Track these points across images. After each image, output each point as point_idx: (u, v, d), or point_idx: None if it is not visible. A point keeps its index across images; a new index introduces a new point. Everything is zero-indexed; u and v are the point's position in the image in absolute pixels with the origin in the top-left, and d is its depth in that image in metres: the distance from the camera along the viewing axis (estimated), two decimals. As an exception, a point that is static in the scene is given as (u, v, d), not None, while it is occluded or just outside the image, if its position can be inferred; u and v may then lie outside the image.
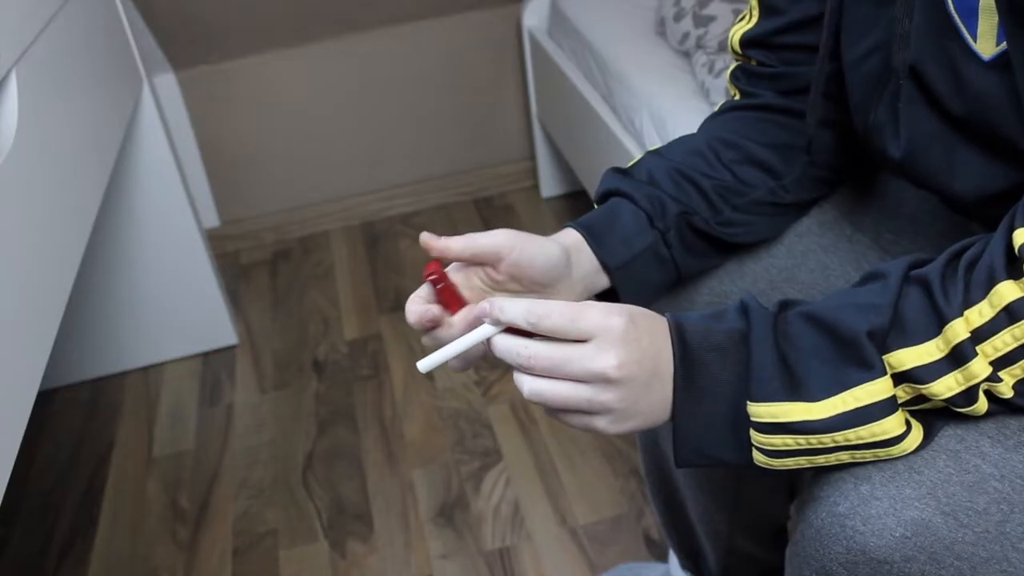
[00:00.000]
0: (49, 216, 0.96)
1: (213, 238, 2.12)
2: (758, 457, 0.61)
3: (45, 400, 1.77)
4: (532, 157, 2.23)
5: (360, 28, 2.02)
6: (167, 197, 1.65)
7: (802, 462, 0.60)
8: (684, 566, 1.11)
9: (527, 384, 0.61)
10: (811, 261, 0.83)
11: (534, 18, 1.99)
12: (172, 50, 1.94)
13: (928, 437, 0.60)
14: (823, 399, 0.58)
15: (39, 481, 1.58)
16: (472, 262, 0.72)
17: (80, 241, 1.05)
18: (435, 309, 0.70)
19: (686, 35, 1.51)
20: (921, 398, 0.59)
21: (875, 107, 0.71)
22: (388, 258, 2.06)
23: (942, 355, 0.56)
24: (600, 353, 0.59)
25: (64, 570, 1.40)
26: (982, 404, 0.57)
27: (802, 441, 0.59)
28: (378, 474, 1.49)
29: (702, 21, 1.48)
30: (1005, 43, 0.59)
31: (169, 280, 1.73)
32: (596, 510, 1.36)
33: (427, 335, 0.71)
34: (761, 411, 0.59)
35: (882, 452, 0.59)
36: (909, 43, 0.66)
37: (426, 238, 0.69)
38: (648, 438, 1.00)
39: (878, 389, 0.57)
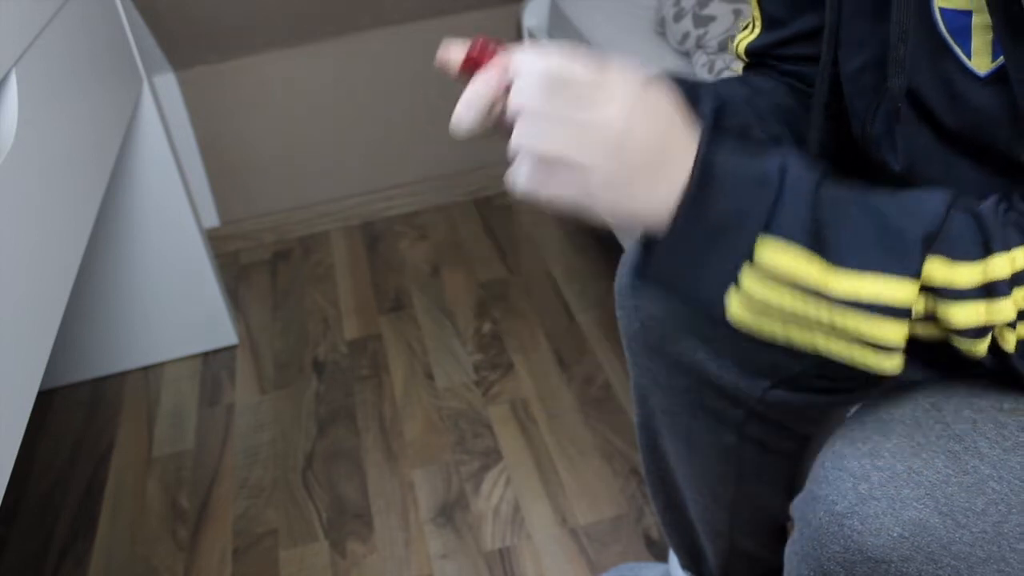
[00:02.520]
0: (49, 216, 0.96)
1: (213, 238, 2.12)
2: (734, 307, 0.56)
3: (45, 400, 1.77)
4: (532, 157, 2.22)
5: (360, 28, 2.02)
6: (167, 197, 1.65)
7: (776, 328, 0.56)
8: (684, 566, 1.11)
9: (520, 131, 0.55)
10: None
11: (534, 18, 1.99)
12: (172, 50, 1.94)
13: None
14: (845, 268, 0.54)
15: (39, 481, 1.58)
16: None
17: (80, 241, 1.05)
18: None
19: (686, 35, 1.51)
20: (928, 318, 0.56)
21: (872, 121, 0.71)
22: (388, 258, 2.06)
23: (977, 284, 0.55)
24: (612, 94, 0.54)
25: (64, 570, 1.40)
26: (984, 346, 0.56)
27: (799, 304, 0.55)
28: (378, 474, 1.49)
29: (702, 21, 1.48)
30: (1001, 58, 0.59)
31: (169, 280, 1.73)
32: (596, 510, 1.36)
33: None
34: (772, 252, 0.54)
35: (860, 355, 0.56)
36: (905, 67, 0.66)
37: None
38: (648, 438, 1.01)
39: (903, 291, 0.54)
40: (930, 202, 0.56)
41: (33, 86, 0.99)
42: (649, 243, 0.58)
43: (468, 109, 0.59)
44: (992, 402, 0.61)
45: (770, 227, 0.54)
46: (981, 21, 0.60)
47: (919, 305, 0.56)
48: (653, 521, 1.32)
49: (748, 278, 0.55)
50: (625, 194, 0.55)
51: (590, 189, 0.55)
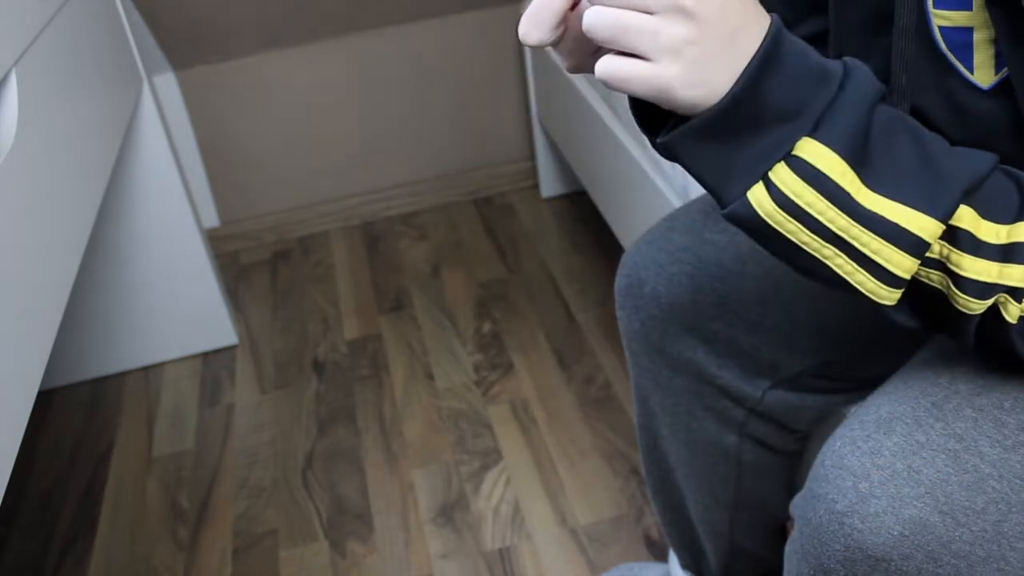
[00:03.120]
0: (49, 216, 0.96)
1: (213, 238, 2.12)
2: (756, 196, 0.54)
3: (45, 400, 1.77)
4: (532, 157, 2.23)
5: (360, 28, 2.02)
6: (167, 197, 1.65)
7: (792, 230, 0.55)
8: (684, 566, 1.11)
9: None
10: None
11: (534, 18, 1.99)
12: (172, 50, 1.94)
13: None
14: (877, 190, 0.53)
15: (39, 481, 1.58)
16: None
17: (80, 241, 1.05)
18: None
19: (686, 35, 1.51)
20: (938, 264, 0.56)
21: None
22: (388, 258, 2.06)
23: (999, 242, 0.54)
24: None
25: (64, 570, 1.40)
26: (981, 306, 0.55)
27: (823, 207, 0.53)
28: (378, 474, 1.49)
29: (702, 21, 1.48)
30: (1005, 70, 0.59)
31: (169, 280, 1.73)
32: (596, 510, 1.36)
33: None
34: (814, 150, 0.53)
35: (864, 278, 0.55)
36: (907, 95, 0.65)
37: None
38: (648, 438, 1.01)
39: (927, 226, 0.53)
40: (978, 157, 0.55)
41: (33, 86, 0.99)
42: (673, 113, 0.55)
43: (534, 25, 0.55)
44: (993, 401, 0.61)
45: (819, 128, 0.53)
46: (983, 36, 0.60)
47: (939, 248, 0.55)
48: (653, 521, 1.32)
49: (782, 170, 0.53)
50: (701, 73, 0.52)
51: (664, 75, 0.52)
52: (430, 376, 1.68)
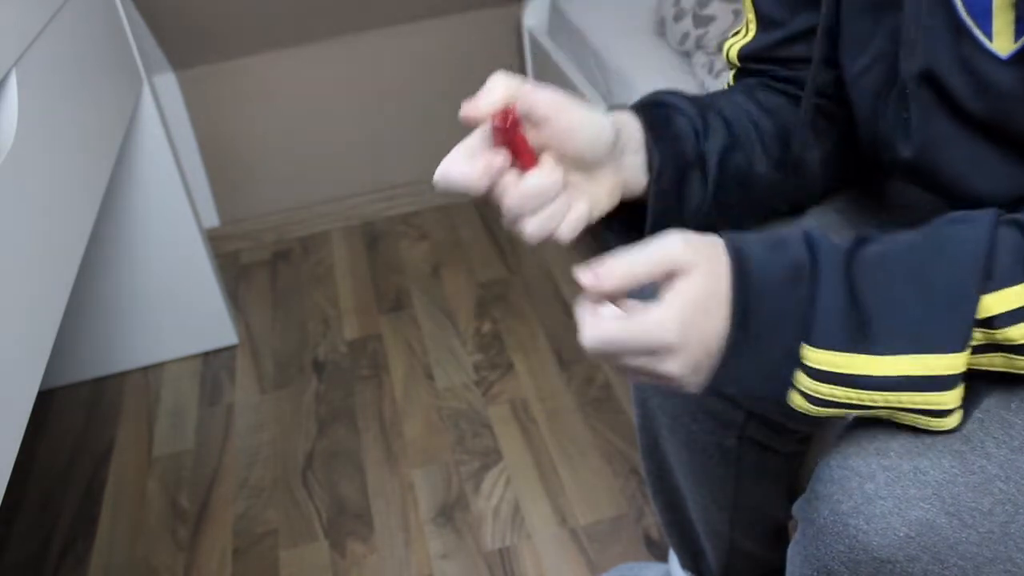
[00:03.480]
0: (49, 216, 0.96)
1: (213, 238, 2.12)
2: (797, 400, 0.58)
3: (45, 400, 1.77)
4: (532, 157, 2.22)
5: (360, 28, 2.02)
6: (167, 197, 1.65)
7: (840, 412, 0.58)
8: (684, 566, 1.11)
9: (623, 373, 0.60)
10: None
11: (534, 18, 1.99)
12: (172, 50, 1.94)
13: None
14: (890, 355, 0.55)
15: (39, 481, 1.58)
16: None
17: (80, 241, 1.05)
18: (504, 156, 0.60)
19: (686, 35, 1.51)
20: (988, 347, 0.56)
21: (883, 117, 0.70)
22: (388, 258, 2.06)
23: None
24: (669, 348, 0.56)
25: (64, 570, 1.40)
26: None
27: (852, 396, 0.56)
28: (378, 474, 1.49)
29: (702, 21, 1.48)
30: None
31: (169, 280, 1.73)
32: (596, 510, 1.36)
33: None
34: (818, 357, 0.56)
35: (923, 420, 0.57)
36: (917, 50, 0.65)
37: (467, 108, 0.60)
38: (648, 438, 1.00)
39: (954, 363, 0.54)
40: (971, 234, 0.55)
41: (33, 86, 0.98)
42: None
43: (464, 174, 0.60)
44: (999, 401, 0.61)
45: (812, 330, 0.56)
46: (1004, 1, 0.58)
47: (978, 337, 0.56)
48: (653, 521, 1.32)
49: (802, 378, 0.57)
50: (694, 355, 0.57)
51: (668, 370, 0.57)
52: (430, 376, 1.68)
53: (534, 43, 1.97)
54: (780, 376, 0.58)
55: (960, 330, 0.54)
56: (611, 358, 0.57)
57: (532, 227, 0.60)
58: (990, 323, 0.55)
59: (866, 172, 0.84)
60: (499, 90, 0.60)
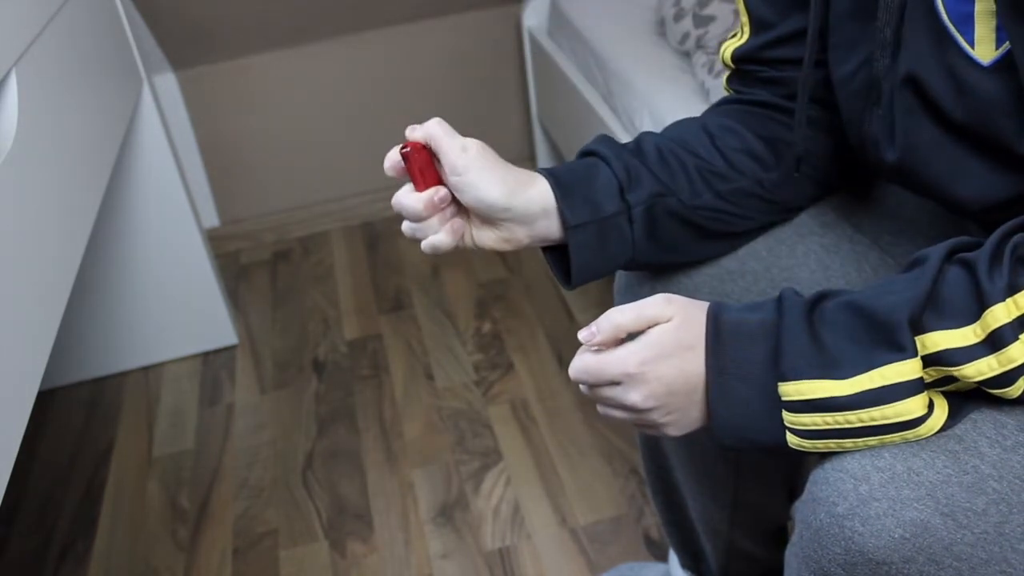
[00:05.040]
0: (49, 216, 0.96)
1: (213, 238, 2.12)
2: (792, 439, 0.63)
3: (45, 400, 1.77)
4: (532, 157, 2.23)
5: (360, 28, 2.02)
6: (167, 197, 1.65)
7: (832, 445, 0.62)
8: (684, 566, 1.11)
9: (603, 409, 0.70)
10: (812, 261, 0.83)
11: (534, 18, 1.99)
12: (172, 50, 1.94)
13: (955, 417, 0.60)
14: (850, 377, 0.59)
15: (39, 481, 1.58)
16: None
17: (80, 241, 1.05)
18: (444, 190, 0.74)
19: (686, 35, 1.51)
20: (949, 379, 0.59)
21: (868, 120, 0.71)
22: (388, 258, 2.06)
23: (978, 340, 0.57)
24: (636, 384, 0.66)
25: (64, 570, 1.40)
26: (1018, 387, 0.58)
27: (830, 420, 0.60)
28: (378, 474, 1.49)
29: (702, 21, 1.48)
30: (1006, 45, 0.58)
31: (169, 280, 1.73)
32: (596, 510, 1.36)
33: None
34: (790, 389, 0.61)
35: (909, 434, 0.60)
36: (892, 53, 0.66)
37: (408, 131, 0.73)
38: (648, 438, 1.01)
39: (906, 370, 0.58)
40: (918, 274, 0.59)
41: (33, 86, 0.99)
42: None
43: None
44: (991, 402, 0.61)
45: (782, 374, 0.62)
46: (985, 8, 0.59)
47: (927, 373, 0.59)
48: (653, 521, 1.32)
49: (788, 415, 0.62)
50: (674, 413, 0.67)
51: (655, 421, 0.68)
52: (430, 376, 1.68)
53: (534, 43, 1.97)
54: (768, 418, 0.63)
55: (898, 341, 0.58)
56: (587, 385, 0.68)
57: (404, 228, 0.76)
58: (940, 359, 0.58)
59: (861, 173, 0.84)
60: (421, 129, 0.73)
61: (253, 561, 1.37)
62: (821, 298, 0.63)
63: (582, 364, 0.67)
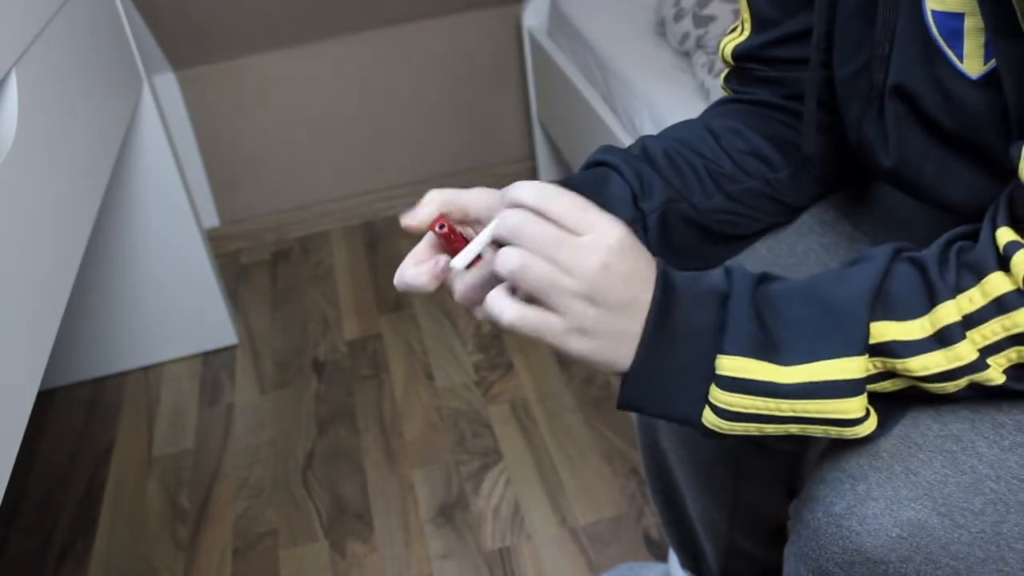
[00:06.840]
0: (49, 216, 0.96)
1: (213, 238, 2.12)
2: (708, 417, 0.59)
3: (45, 400, 1.77)
4: (532, 157, 2.23)
5: (360, 28, 2.02)
6: (167, 197, 1.65)
7: (751, 428, 0.59)
8: (684, 565, 1.11)
9: (508, 254, 0.56)
10: (812, 260, 0.83)
11: (534, 18, 1.99)
12: (172, 50, 1.94)
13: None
14: (794, 364, 0.57)
15: (39, 481, 1.58)
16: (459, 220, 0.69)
17: (80, 241, 1.05)
18: (445, 258, 0.65)
19: (686, 35, 1.51)
20: (889, 374, 0.59)
21: (866, 123, 0.71)
22: (388, 258, 2.06)
23: (927, 335, 0.56)
24: (592, 248, 0.56)
25: (64, 570, 1.40)
26: (957, 385, 0.58)
27: (760, 404, 0.58)
28: (378, 474, 1.49)
29: (702, 21, 1.48)
30: (993, 60, 0.59)
31: (169, 280, 1.73)
32: (596, 510, 1.36)
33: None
34: (728, 364, 0.58)
35: (833, 431, 0.59)
36: (888, 65, 0.66)
37: (406, 219, 0.66)
38: (648, 438, 1.01)
39: (852, 367, 0.57)
40: (868, 267, 0.58)
41: (33, 86, 0.99)
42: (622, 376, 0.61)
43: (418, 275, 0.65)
44: (989, 401, 0.61)
45: (722, 347, 0.58)
46: (973, 24, 0.60)
47: (878, 365, 0.58)
48: (653, 521, 1.32)
49: (715, 391, 0.59)
50: (593, 338, 0.57)
51: (555, 328, 0.57)
52: (430, 376, 1.68)
53: (534, 43, 1.97)
54: (688, 389, 0.59)
55: (853, 335, 0.57)
56: (518, 248, 0.56)
57: (477, 314, 0.64)
58: (887, 349, 0.57)
59: (861, 173, 0.84)
60: (433, 203, 0.66)
61: (253, 561, 1.37)
62: (767, 279, 0.61)
63: (519, 217, 0.57)
